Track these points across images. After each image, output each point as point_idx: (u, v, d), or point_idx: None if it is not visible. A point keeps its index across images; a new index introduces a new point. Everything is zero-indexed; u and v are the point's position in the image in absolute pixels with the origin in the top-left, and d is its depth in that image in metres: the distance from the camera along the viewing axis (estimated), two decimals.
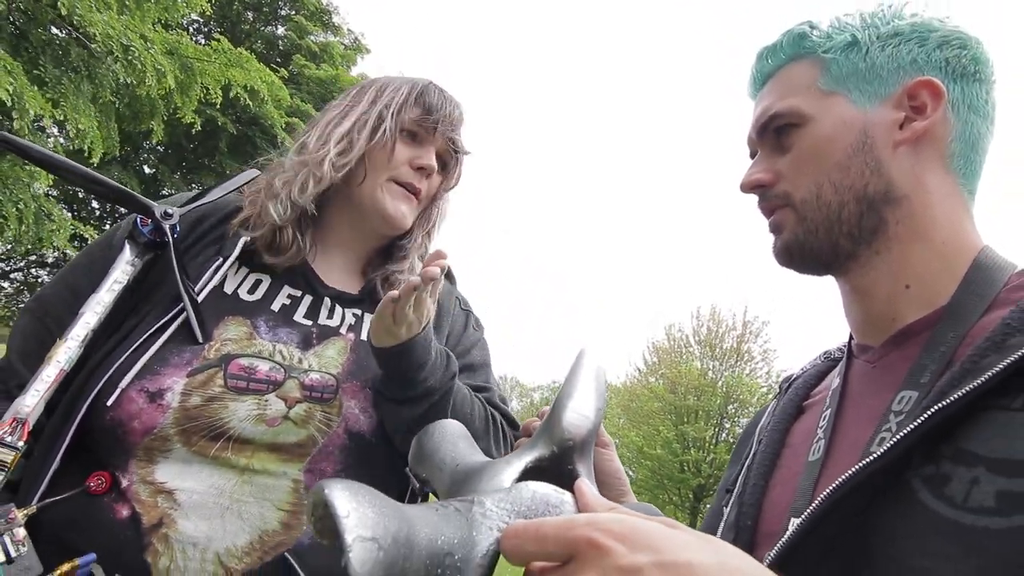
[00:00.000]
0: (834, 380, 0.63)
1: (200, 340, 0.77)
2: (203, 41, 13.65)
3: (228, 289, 0.84)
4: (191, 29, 14.55)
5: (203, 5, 7.65)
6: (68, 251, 7.80)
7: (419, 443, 0.50)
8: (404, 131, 0.92)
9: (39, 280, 13.60)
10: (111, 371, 0.72)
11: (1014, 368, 0.41)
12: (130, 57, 5.12)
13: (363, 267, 0.98)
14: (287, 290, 0.88)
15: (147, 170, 12.43)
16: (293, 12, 15.19)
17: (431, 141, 0.94)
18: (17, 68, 4.00)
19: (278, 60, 15.02)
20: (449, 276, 1.11)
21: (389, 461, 0.82)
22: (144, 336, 0.75)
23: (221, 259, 0.84)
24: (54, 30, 5.12)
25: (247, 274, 0.87)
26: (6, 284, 13.47)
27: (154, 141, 8.04)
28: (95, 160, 5.69)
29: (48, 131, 4.56)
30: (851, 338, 0.66)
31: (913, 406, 0.47)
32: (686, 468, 17.85)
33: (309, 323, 0.86)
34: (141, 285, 0.82)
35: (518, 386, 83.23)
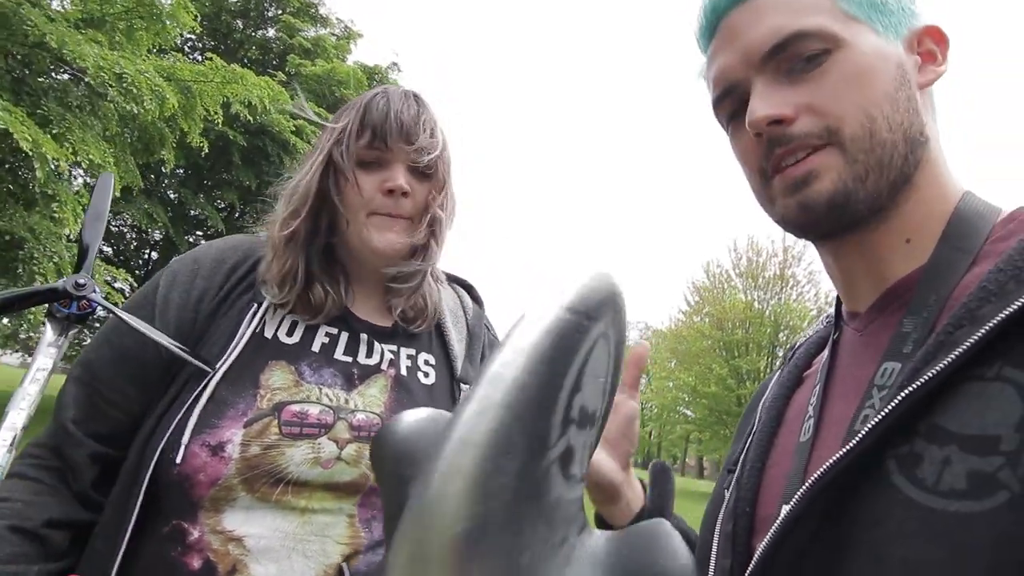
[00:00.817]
0: (825, 353, 0.59)
1: (209, 369, 0.78)
2: (200, 58, 13.80)
3: (268, 333, 0.85)
4: (186, 48, 14.67)
5: (190, 23, 7.70)
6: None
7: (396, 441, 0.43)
8: (361, 163, 0.88)
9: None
10: (171, 428, 0.74)
11: (988, 339, 0.38)
12: (125, 84, 5.22)
13: (386, 298, 0.96)
14: (324, 328, 0.89)
15: (172, 195, 12.79)
16: (280, 12, 15.08)
17: (393, 157, 0.88)
18: (25, 118, 4.12)
19: (274, 63, 15.02)
20: (477, 300, 1.10)
21: None
22: (196, 391, 0.76)
23: (256, 305, 0.84)
24: (54, 74, 5.25)
25: (283, 316, 0.87)
26: None
27: (168, 169, 8.24)
28: (116, 192, 5.85)
29: (64, 174, 4.72)
30: (839, 303, 0.60)
31: (896, 379, 0.44)
32: (742, 401, 17.77)
33: (349, 360, 0.87)
34: (187, 342, 0.82)
35: None
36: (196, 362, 0.78)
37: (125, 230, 13.38)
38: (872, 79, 0.49)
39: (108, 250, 13.89)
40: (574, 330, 0.27)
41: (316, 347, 0.86)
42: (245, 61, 14.47)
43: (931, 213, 0.51)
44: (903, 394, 0.40)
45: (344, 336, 0.89)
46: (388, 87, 0.95)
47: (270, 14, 15.12)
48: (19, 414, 0.73)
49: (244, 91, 8.00)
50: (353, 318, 0.91)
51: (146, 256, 14.72)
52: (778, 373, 0.68)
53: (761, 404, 0.65)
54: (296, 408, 0.79)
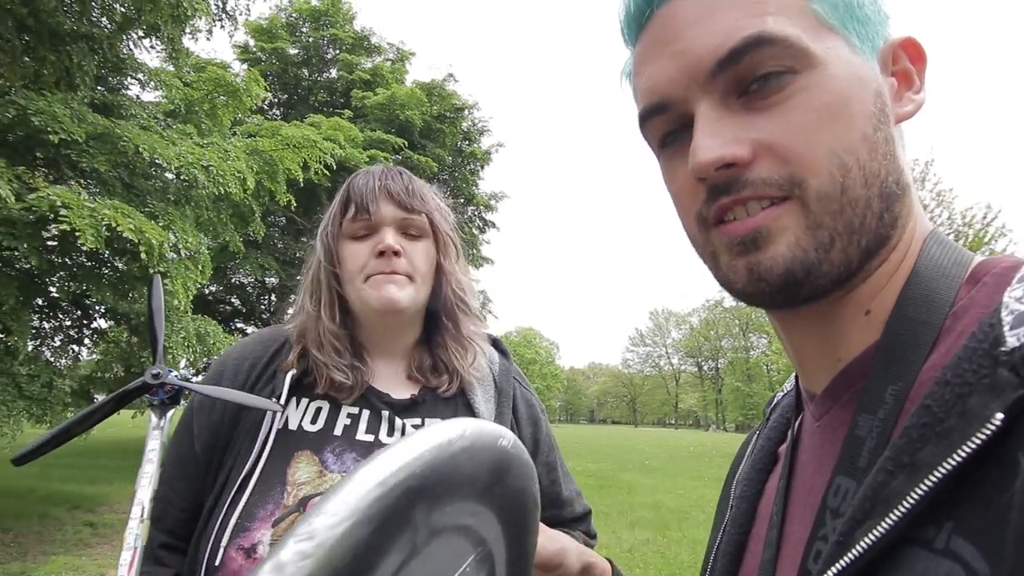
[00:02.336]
0: (790, 433, 0.50)
1: (278, 407, 0.85)
2: (278, 114, 14.96)
3: (292, 424, 0.87)
4: (264, 106, 15.95)
5: (261, 91, 8.38)
6: None
7: None
8: (352, 237, 0.91)
9: None
10: (214, 534, 0.80)
11: (930, 496, 0.29)
12: (212, 174, 5.84)
13: (407, 367, 0.98)
14: (345, 410, 0.91)
15: (279, 245, 14.03)
16: (337, 52, 15.91)
17: (381, 222, 0.91)
18: (133, 211, 4.74)
19: (341, 102, 15.90)
20: (503, 352, 1.07)
21: None
22: (232, 494, 0.82)
23: (276, 399, 0.87)
24: (153, 172, 5.96)
25: (307, 404, 0.90)
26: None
27: (259, 237, 9.11)
28: (206, 278, 6.52)
29: (169, 256, 5.40)
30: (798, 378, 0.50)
31: (849, 506, 0.35)
32: None
33: (371, 439, 0.89)
34: (217, 441, 0.88)
35: (672, 316, 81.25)
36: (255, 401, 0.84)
37: (245, 283, 14.86)
38: (848, 115, 0.38)
39: (236, 302, 15.56)
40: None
41: (338, 430, 0.88)
42: (315, 104, 15.48)
43: (896, 276, 0.41)
44: (841, 564, 0.32)
45: (365, 415, 0.91)
46: (372, 166, 0.98)
47: (329, 56, 15.99)
48: (144, 491, 0.83)
49: (319, 153, 8.69)
50: (373, 393, 0.92)
51: (267, 301, 16.29)
52: (756, 435, 0.59)
53: (736, 481, 0.57)
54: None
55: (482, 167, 16.91)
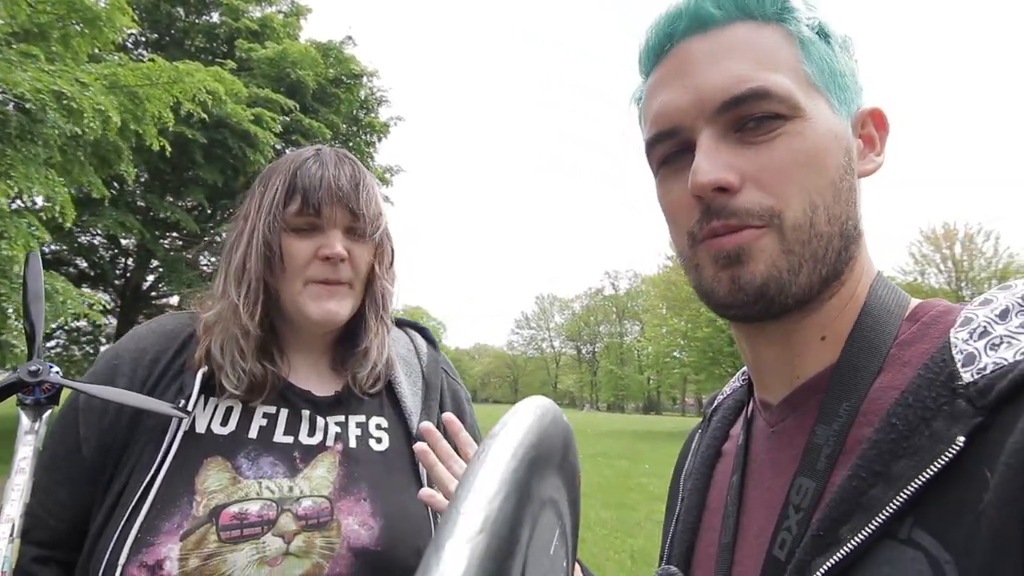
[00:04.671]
0: (740, 433, 0.58)
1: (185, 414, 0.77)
2: (145, 55, 13.17)
3: (200, 427, 0.80)
4: (128, 45, 13.97)
5: (126, 21, 7.32)
6: (82, 321, 7.97)
7: None
8: (293, 230, 0.85)
9: (74, 356, 14.17)
10: (109, 549, 0.72)
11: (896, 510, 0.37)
12: (65, 102, 4.98)
13: (332, 363, 0.94)
14: (261, 409, 0.85)
15: (141, 204, 12.45)
16: None
17: (330, 222, 0.85)
18: None
19: (223, 51, 14.38)
20: (431, 342, 1.05)
21: (403, 563, 0.82)
22: (131, 505, 0.74)
23: (183, 401, 0.79)
24: None
25: (216, 404, 0.83)
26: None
27: (130, 181, 8.00)
28: (68, 224, 5.68)
29: (18, 206, 4.56)
30: (751, 384, 0.60)
31: (810, 500, 0.44)
32: (734, 341, 18.08)
33: (290, 441, 0.84)
34: (111, 445, 0.79)
35: (557, 301, 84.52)
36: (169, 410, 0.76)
37: (97, 243, 13.06)
38: (823, 164, 0.46)
39: (84, 265, 13.60)
40: (508, 525, 0.24)
41: (254, 432, 0.82)
42: (192, 51, 13.85)
43: (847, 309, 0.50)
44: (835, 559, 0.39)
45: (284, 414, 0.85)
46: (321, 148, 0.91)
47: None
48: (12, 506, 0.73)
49: (193, 88, 7.68)
50: (292, 391, 0.87)
51: (122, 265, 14.44)
52: (699, 433, 0.69)
53: (684, 475, 0.66)
54: (235, 509, 0.76)
55: (379, 139, 16.27)
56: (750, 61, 0.47)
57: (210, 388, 0.83)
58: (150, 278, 14.49)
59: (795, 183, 0.46)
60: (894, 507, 0.37)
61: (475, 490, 0.24)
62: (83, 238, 12.56)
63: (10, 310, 5.41)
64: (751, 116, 0.46)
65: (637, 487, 8.49)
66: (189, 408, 0.79)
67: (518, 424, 0.28)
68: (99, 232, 12.03)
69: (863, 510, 0.39)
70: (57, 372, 0.80)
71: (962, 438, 0.36)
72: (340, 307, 0.86)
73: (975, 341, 0.40)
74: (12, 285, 5.00)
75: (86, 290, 8.94)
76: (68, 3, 6.58)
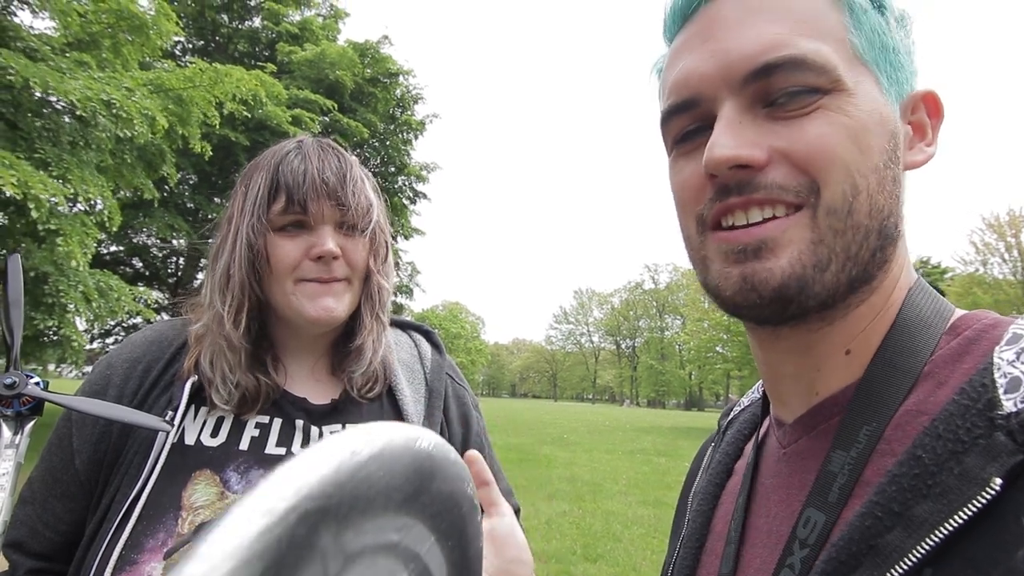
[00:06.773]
0: (749, 453, 0.52)
1: (168, 428, 0.74)
2: (192, 62, 13.72)
3: (190, 439, 0.77)
4: (176, 52, 14.57)
5: (172, 28, 7.61)
6: (140, 317, 8.33)
7: None
8: (279, 230, 0.80)
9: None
10: (95, 566, 0.70)
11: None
12: (114, 111, 5.18)
13: (330, 367, 0.90)
14: (253, 420, 0.81)
15: (190, 205, 12.99)
16: (262, 0, 14.76)
17: (318, 218, 0.80)
18: (17, 160, 4.16)
19: (265, 55, 14.83)
20: (436, 346, 1.00)
21: None
22: (116, 521, 0.72)
23: (171, 412, 0.76)
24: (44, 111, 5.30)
25: (207, 415, 0.79)
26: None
27: (172, 182, 8.33)
28: (114, 227, 5.95)
29: (65, 208, 4.80)
30: (766, 397, 0.53)
31: (818, 535, 0.38)
32: None
33: (282, 452, 0.80)
34: (104, 457, 0.77)
35: (595, 295, 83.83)
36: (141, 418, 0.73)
37: (149, 244, 13.69)
38: (866, 143, 0.39)
39: (139, 265, 14.32)
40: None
41: (244, 444, 0.79)
42: (236, 55, 14.33)
43: (878, 319, 0.42)
44: None
45: (277, 424, 0.82)
46: (303, 140, 0.86)
47: (253, 3, 14.80)
48: None
49: (233, 88, 7.93)
50: (287, 400, 0.84)
51: (174, 265, 15.11)
52: (711, 448, 0.62)
53: (692, 493, 0.60)
54: None
55: (416, 136, 16.45)
56: (787, 24, 0.40)
57: (202, 398, 0.80)
58: (200, 276, 15.13)
59: (836, 158, 0.38)
60: (914, 559, 0.31)
61: (193, 558, 0.19)
62: (136, 239, 13.19)
63: (70, 306, 5.70)
64: (783, 90, 0.39)
65: (676, 484, 8.26)
66: (177, 420, 0.76)
67: (288, 471, 0.23)
68: (153, 233, 12.60)
69: (877, 556, 0.33)
70: (38, 383, 0.77)
71: (998, 480, 0.30)
72: (338, 303, 0.82)
73: (1022, 363, 0.33)
74: (69, 283, 5.27)
75: (141, 288, 9.41)
76: (117, 12, 6.90)
